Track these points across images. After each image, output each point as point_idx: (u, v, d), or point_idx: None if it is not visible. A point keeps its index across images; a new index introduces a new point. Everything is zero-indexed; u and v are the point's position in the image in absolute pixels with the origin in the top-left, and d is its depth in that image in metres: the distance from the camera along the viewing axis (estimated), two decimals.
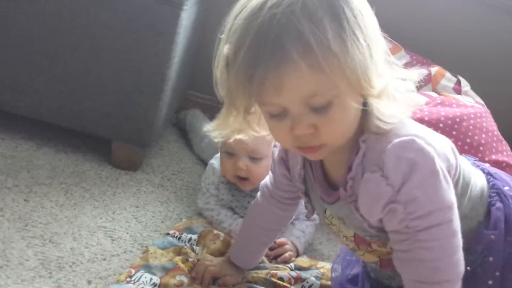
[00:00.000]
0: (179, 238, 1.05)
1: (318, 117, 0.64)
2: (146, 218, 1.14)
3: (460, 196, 0.73)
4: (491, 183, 0.79)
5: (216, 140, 0.77)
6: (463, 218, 0.70)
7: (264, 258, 1.07)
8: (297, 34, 0.59)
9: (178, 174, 1.37)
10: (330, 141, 0.67)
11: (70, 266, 0.94)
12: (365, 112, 0.67)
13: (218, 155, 1.20)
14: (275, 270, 1.01)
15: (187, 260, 0.98)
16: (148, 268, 0.94)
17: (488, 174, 0.81)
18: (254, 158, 1.11)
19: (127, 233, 1.07)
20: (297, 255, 1.13)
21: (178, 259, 0.98)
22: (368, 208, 0.70)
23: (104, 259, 0.98)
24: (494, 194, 0.77)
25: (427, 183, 0.66)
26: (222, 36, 0.69)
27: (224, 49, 0.67)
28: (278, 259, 1.09)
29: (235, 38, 0.64)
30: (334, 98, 0.63)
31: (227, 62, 0.66)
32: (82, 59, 1.19)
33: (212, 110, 1.38)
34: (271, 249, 1.10)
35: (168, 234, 1.06)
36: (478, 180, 0.78)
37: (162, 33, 1.14)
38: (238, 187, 1.17)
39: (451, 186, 0.68)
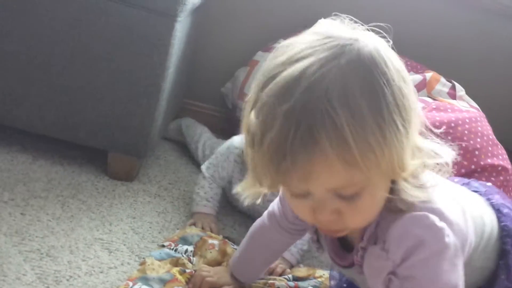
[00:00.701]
0: (176, 250, 1.05)
1: (344, 204, 0.60)
2: (143, 229, 1.14)
3: (473, 251, 0.70)
4: (502, 224, 0.76)
5: (246, 202, 0.73)
6: (474, 270, 0.68)
7: None
8: (333, 127, 0.53)
9: (175, 183, 1.37)
10: (353, 226, 0.64)
11: (68, 280, 0.94)
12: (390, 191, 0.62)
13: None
14: (272, 280, 1.01)
15: (185, 272, 0.98)
16: (145, 280, 0.94)
17: (498, 211, 0.78)
18: None
19: (124, 244, 1.07)
20: (291, 266, 1.12)
21: (175, 270, 0.97)
22: (372, 281, 0.67)
23: (102, 272, 0.98)
24: (507, 239, 0.74)
25: (430, 263, 0.62)
26: (247, 101, 0.62)
27: (251, 118, 0.59)
28: (270, 275, 1.06)
29: (262, 116, 0.57)
30: (364, 189, 0.58)
31: (253, 140, 0.59)
32: (76, 71, 1.19)
33: (208, 118, 1.39)
34: None
35: (163, 246, 1.06)
36: (488, 222, 0.75)
37: (157, 45, 1.15)
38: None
39: (460, 266, 0.64)
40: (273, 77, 0.57)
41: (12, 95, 1.21)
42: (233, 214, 1.30)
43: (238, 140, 1.21)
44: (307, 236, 1.18)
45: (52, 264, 0.97)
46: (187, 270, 0.98)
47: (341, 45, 0.57)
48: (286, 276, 1.07)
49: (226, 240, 1.13)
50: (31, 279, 0.92)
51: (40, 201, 1.13)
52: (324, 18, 1.90)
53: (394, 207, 0.63)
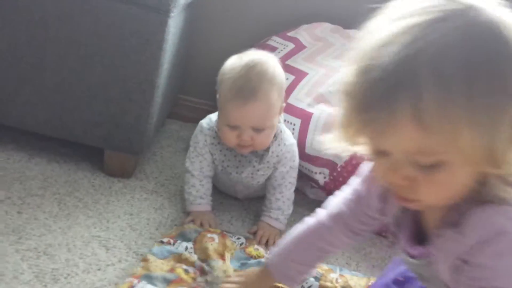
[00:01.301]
0: (176, 248, 1.06)
1: (419, 173, 0.58)
2: (140, 226, 1.14)
3: None
4: None
5: (331, 151, 0.71)
6: None
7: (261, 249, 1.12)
8: (415, 88, 0.52)
9: (171, 179, 1.37)
10: (426, 200, 0.61)
11: (65, 278, 0.95)
12: (481, 183, 0.59)
13: (210, 115, 1.22)
14: None
15: (188, 272, 0.98)
16: (149, 278, 0.94)
17: None
18: (258, 129, 1.10)
19: (122, 241, 1.08)
20: (280, 233, 1.20)
21: (180, 270, 0.97)
22: (440, 266, 0.65)
23: (99, 269, 0.99)
24: None
25: (506, 257, 0.58)
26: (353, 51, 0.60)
27: (349, 68, 0.59)
28: (260, 242, 1.16)
29: (359, 66, 0.57)
30: (442, 163, 0.56)
31: (347, 89, 0.59)
32: (69, 68, 1.18)
33: (202, 113, 1.38)
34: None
35: (162, 242, 1.06)
36: None
37: (150, 41, 1.14)
38: (229, 147, 1.17)
39: None
40: (375, 31, 0.58)
41: (5, 93, 1.21)
42: (230, 209, 1.31)
43: (206, 121, 1.21)
44: (290, 201, 1.25)
45: (50, 262, 0.97)
46: (191, 270, 0.98)
47: (453, 10, 0.54)
48: None
49: (225, 233, 1.14)
50: (29, 277, 0.92)
51: (36, 199, 1.14)
52: (319, 15, 1.89)
53: (482, 198, 0.60)
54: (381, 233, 1.38)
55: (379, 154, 0.61)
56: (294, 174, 1.25)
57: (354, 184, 0.84)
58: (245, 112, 1.06)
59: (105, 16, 1.14)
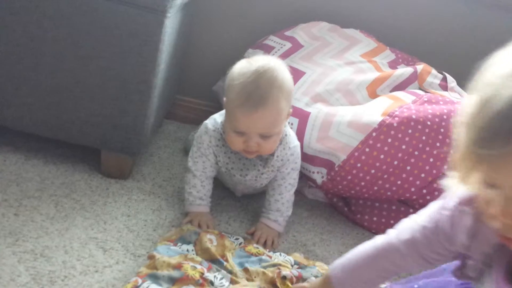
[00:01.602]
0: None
1: None
2: (138, 227, 1.14)
3: None
4: None
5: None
6: None
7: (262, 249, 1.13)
8: None
9: (169, 180, 1.37)
10: None
11: (62, 280, 0.94)
12: None
13: (215, 116, 1.21)
14: (278, 268, 1.03)
15: (196, 268, 0.97)
16: (155, 278, 0.93)
17: None
18: (265, 136, 1.09)
19: (119, 243, 1.07)
20: (279, 235, 1.23)
21: (187, 266, 0.97)
22: None
23: (97, 271, 0.98)
24: None
25: None
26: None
27: (471, 98, 0.60)
28: (259, 242, 1.17)
29: (480, 96, 0.58)
30: None
31: (467, 121, 0.59)
32: (67, 69, 1.18)
33: (200, 113, 1.39)
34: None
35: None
36: None
37: (147, 41, 1.14)
38: (234, 151, 1.17)
39: None
40: (500, 63, 0.60)
41: (2, 95, 1.20)
42: (228, 210, 1.31)
43: (211, 122, 1.19)
44: (290, 203, 1.25)
45: (47, 264, 0.97)
46: (198, 266, 0.98)
47: None
48: (288, 259, 1.10)
49: (223, 233, 1.14)
50: (26, 280, 0.91)
51: (33, 201, 1.13)
52: (316, 14, 1.89)
53: None
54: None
55: (488, 186, 0.61)
56: (295, 175, 1.25)
57: (433, 213, 0.81)
58: (253, 120, 1.05)
59: (102, 17, 1.13)
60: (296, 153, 1.22)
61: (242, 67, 1.08)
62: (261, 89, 1.03)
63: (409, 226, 0.84)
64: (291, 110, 1.15)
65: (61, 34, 1.15)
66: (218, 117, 1.20)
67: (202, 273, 0.96)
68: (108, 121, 1.21)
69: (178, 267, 0.96)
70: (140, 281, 0.92)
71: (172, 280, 0.93)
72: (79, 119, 1.22)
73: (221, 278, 0.98)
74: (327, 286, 0.92)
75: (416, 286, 0.90)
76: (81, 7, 1.13)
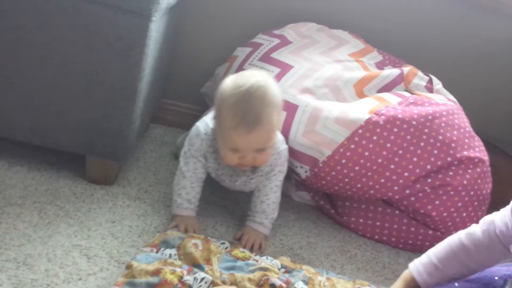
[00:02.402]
0: (160, 255, 1.04)
1: None
2: (122, 234, 1.13)
3: None
4: None
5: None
6: None
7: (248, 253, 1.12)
8: None
9: (155, 185, 1.36)
10: None
11: None
12: None
13: (206, 119, 1.21)
14: (265, 275, 1.02)
15: (175, 271, 0.97)
16: (132, 285, 0.93)
17: None
18: (260, 150, 1.10)
19: (103, 250, 1.06)
20: (265, 237, 1.23)
21: (166, 270, 0.96)
22: None
23: (80, 279, 0.97)
24: None
25: None
26: None
27: None
28: (246, 247, 1.17)
29: None
30: None
31: None
32: (50, 75, 1.17)
33: (188, 117, 1.38)
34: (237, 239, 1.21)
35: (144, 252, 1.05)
36: None
37: (132, 46, 1.13)
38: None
39: None
40: None
41: None
42: (214, 215, 1.30)
43: (203, 126, 1.19)
44: (276, 204, 1.25)
45: (29, 272, 0.95)
46: (178, 270, 0.97)
47: None
48: (275, 263, 1.10)
49: (208, 238, 1.13)
50: None
51: (16, 209, 1.12)
52: (305, 15, 1.89)
53: None
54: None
55: None
56: (281, 177, 1.25)
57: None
58: (249, 139, 1.06)
59: (87, 22, 1.12)
60: (284, 156, 1.22)
61: (231, 86, 1.08)
62: (254, 110, 1.04)
63: (488, 217, 0.92)
64: (281, 117, 1.15)
65: (46, 39, 1.14)
66: (209, 121, 1.20)
67: (181, 277, 0.96)
68: (93, 127, 1.20)
69: (156, 273, 0.95)
70: None
71: (150, 286, 0.92)
72: (63, 125, 1.21)
73: (201, 280, 0.97)
74: (408, 281, 0.97)
75: (456, 284, 0.92)
76: (66, 11, 1.11)
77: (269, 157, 1.15)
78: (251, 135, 1.05)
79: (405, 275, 1.01)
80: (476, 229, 0.94)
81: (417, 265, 0.98)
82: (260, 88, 1.06)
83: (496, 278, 0.91)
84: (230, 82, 1.09)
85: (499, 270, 0.93)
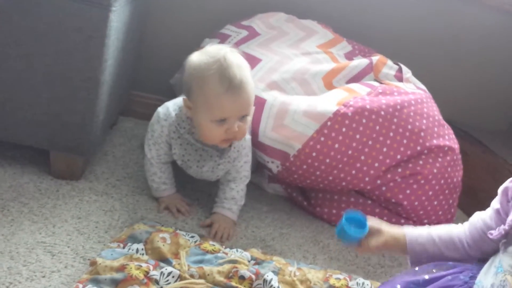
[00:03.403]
0: (127, 250, 1.02)
1: None
2: (88, 229, 1.10)
3: None
4: None
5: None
6: None
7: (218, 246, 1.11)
8: None
9: (123, 180, 1.33)
10: None
11: (7, 287, 0.90)
12: None
13: (168, 104, 1.20)
14: (235, 267, 1.02)
15: (141, 266, 0.95)
16: (96, 282, 0.91)
17: None
18: (243, 117, 1.11)
19: (68, 246, 1.03)
20: (234, 223, 1.24)
21: (132, 266, 0.94)
22: None
23: (44, 276, 0.94)
24: None
25: None
26: None
27: None
28: (216, 238, 1.18)
29: None
30: None
31: None
32: (9, 67, 1.13)
33: (156, 109, 1.35)
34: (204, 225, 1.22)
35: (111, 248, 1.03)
36: None
37: (92, 36, 1.10)
38: (190, 142, 1.18)
39: None
40: None
41: None
42: None
43: (163, 111, 1.19)
44: (243, 192, 1.27)
45: None
46: (143, 265, 0.95)
47: None
48: (245, 255, 1.10)
49: (178, 231, 1.11)
50: None
51: None
52: (274, 5, 1.88)
53: None
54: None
55: None
56: (248, 167, 1.26)
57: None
58: (238, 102, 1.07)
59: (45, 13, 1.09)
60: (248, 146, 1.24)
61: (203, 59, 1.08)
62: (237, 74, 1.07)
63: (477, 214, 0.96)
64: None
65: (3, 33, 1.10)
66: (171, 106, 1.19)
67: (147, 272, 0.94)
68: (55, 121, 1.17)
69: (121, 269, 0.93)
70: (81, 286, 0.89)
71: (115, 282, 0.90)
72: (24, 119, 1.17)
73: (168, 275, 0.96)
74: (399, 239, 0.98)
75: (427, 277, 0.93)
76: (22, 3, 1.08)
77: (248, 126, 1.15)
78: (240, 97, 1.07)
79: (398, 236, 1.00)
80: (465, 223, 0.98)
81: (413, 234, 0.99)
82: (234, 54, 1.10)
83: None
84: (201, 56, 1.10)
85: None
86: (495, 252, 0.93)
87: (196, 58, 1.10)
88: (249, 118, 1.14)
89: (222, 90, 1.05)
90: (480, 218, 0.96)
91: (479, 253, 0.96)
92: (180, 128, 1.17)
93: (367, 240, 0.99)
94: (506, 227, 0.86)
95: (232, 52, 1.10)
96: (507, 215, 0.90)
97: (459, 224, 0.99)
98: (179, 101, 1.20)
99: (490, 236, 0.88)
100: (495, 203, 0.93)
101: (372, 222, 1.01)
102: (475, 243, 0.96)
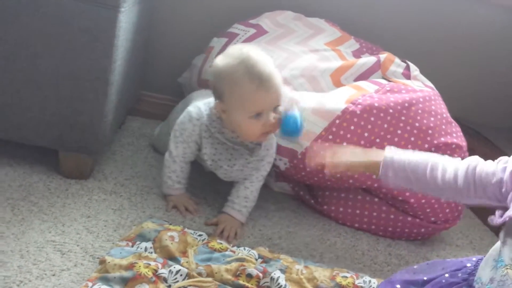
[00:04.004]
0: (135, 249, 1.03)
1: None
2: (97, 228, 1.11)
3: None
4: None
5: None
6: None
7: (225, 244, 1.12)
8: None
9: (132, 179, 1.34)
10: None
11: (18, 285, 0.91)
12: None
13: (199, 105, 1.22)
14: (242, 265, 1.02)
15: (149, 265, 0.96)
16: (105, 280, 0.92)
17: None
18: (276, 108, 1.14)
19: (78, 245, 1.05)
20: (242, 224, 1.24)
21: (140, 264, 0.95)
22: None
23: (54, 275, 0.95)
24: None
25: None
26: None
27: None
28: (222, 237, 1.17)
29: None
30: None
31: None
32: (19, 69, 1.14)
33: (166, 108, 1.37)
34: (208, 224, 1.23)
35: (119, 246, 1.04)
36: None
37: (100, 37, 1.11)
38: (221, 141, 1.21)
39: None
40: None
41: None
42: None
43: (195, 111, 1.21)
44: (256, 193, 1.27)
45: (2, 270, 0.93)
46: (152, 263, 0.96)
47: None
48: (253, 253, 1.10)
49: (186, 230, 1.12)
50: None
51: None
52: (281, 3, 1.87)
53: None
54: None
55: None
56: (268, 168, 1.28)
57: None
58: (270, 94, 1.12)
59: (53, 14, 1.10)
60: (274, 146, 1.27)
61: (230, 62, 1.12)
62: (264, 68, 1.11)
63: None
64: None
65: (12, 34, 1.11)
66: (202, 106, 1.22)
67: (156, 270, 0.95)
68: (64, 121, 1.18)
69: (130, 267, 0.94)
70: (90, 284, 0.90)
71: (124, 281, 0.91)
72: (33, 120, 1.18)
73: (176, 273, 0.96)
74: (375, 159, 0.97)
75: (425, 278, 0.94)
76: (31, 5, 1.09)
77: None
78: (271, 89, 1.11)
79: (373, 158, 0.99)
80: (458, 160, 0.94)
81: (393, 157, 0.97)
82: (257, 51, 1.14)
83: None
84: (225, 59, 1.14)
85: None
86: (487, 199, 0.89)
87: (221, 62, 1.14)
88: (281, 108, 1.17)
89: (254, 87, 1.10)
90: (481, 166, 0.90)
91: (452, 191, 0.92)
92: (211, 127, 1.19)
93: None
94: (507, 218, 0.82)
95: (252, 49, 1.14)
96: (505, 198, 0.86)
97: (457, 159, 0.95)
98: (208, 101, 1.23)
99: (491, 223, 0.85)
100: (500, 171, 0.88)
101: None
102: (461, 184, 0.91)
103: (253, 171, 1.25)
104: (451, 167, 0.93)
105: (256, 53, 1.13)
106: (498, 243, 0.87)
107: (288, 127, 1.14)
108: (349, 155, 1.01)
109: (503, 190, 0.87)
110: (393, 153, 0.97)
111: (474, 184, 0.90)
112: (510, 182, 0.86)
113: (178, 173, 1.25)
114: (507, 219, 0.82)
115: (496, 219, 0.85)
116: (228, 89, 1.12)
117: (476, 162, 0.92)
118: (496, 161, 0.91)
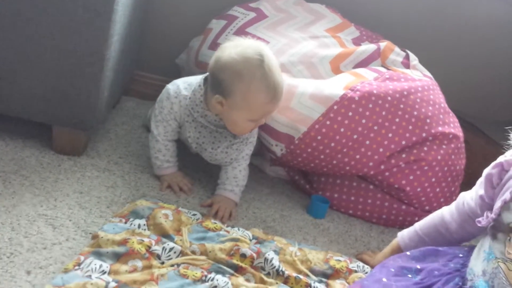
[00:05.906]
0: (129, 225, 1.02)
1: None
2: (90, 204, 1.10)
3: None
4: None
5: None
6: None
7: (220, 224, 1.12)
8: None
9: (125, 157, 1.32)
10: None
11: (8, 257, 0.90)
12: None
13: (178, 82, 1.20)
14: (236, 245, 1.02)
15: (143, 241, 0.95)
16: (98, 254, 0.91)
17: None
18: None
19: (70, 220, 1.03)
20: (236, 204, 1.24)
21: (134, 240, 0.94)
22: None
23: (45, 248, 0.94)
24: None
25: None
26: None
27: None
28: (217, 217, 1.17)
29: None
30: None
31: None
32: (16, 44, 1.11)
33: (160, 89, 1.35)
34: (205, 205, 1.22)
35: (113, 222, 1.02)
36: None
37: (99, 12, 1.09)
38: (204, 124, 1.20)
39: None
40: None
41: None
42: None
43: (174, 89, 1.20)
44: (246, 171, 1.28)
45: None
46: (146, 240, 0.95)
47: None
48: (247, 234, 1.10)
49: (180, 209, 1.11)
50: None
51: None
52: None
53: None
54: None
55: None
56: (252, 147, 1.27)
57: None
58: (277, 106, 1.15)
59: None
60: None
61: (244, 62, 1.08)
62: (279, 80, 1.12)
63: (462, 193, 1.02)
64: None
65: (10, 9, 1.09)
66: (181, 85, 1.20)
67: (149, 246, 0.94)
68: (59, 96, 1.16)
69: (123, 243, 0.93)
70: (82, 258, 0.89)
71: (117, 256, 0.90)
72: (29, 94, 1.16)
73: (170, 250, 0.95)
74: (394, 248, 1.11)
75: (419, 266, 0.96)
76: None
77: None
78: (279, 102, 1.14)
79: (392, 242, 1.14)
80: (453, 204, 1.03)
81: (403, 232, 1.13)
82: (272, 57, 1.12)
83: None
84: (237, 57, 1.08)
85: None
86: (480, 232, 0.97)
87: (231, 58, 1.09)
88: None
89: (267, 100, 1.10)
90: (465, 201, 1.00)
91: (464, 233, 1.02)
92: (194, 112, 1.18)
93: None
94: (493, 215, 0.87)
95: (266, 50, 1.12)
96: (492, 200, 0.91)
97: (446, 207, 1.06)
98: (190, 80, 1.21)
99: (479, 224, 0.90)
100: (479, 189, 0.95)
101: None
102: (460, 225, 1.01)
103: (238, 153, 1.24)
104: (448, 220, 1.03)
105: (271, 57, 1.11)
106: (488, 236, 0.90)
107: (316, 215, 1.32)
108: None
109: (486, 201, 0.94)
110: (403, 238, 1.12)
111: (470, 214, 0.99)
112: (486, 189, 0.93)
113: (164, 152, 1.23)
114: (491, 221, 0.87)
115: (483, 221, 0.89)
116: (238, 92, 1.09)
117: (461, 198, 1.02)
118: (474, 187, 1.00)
